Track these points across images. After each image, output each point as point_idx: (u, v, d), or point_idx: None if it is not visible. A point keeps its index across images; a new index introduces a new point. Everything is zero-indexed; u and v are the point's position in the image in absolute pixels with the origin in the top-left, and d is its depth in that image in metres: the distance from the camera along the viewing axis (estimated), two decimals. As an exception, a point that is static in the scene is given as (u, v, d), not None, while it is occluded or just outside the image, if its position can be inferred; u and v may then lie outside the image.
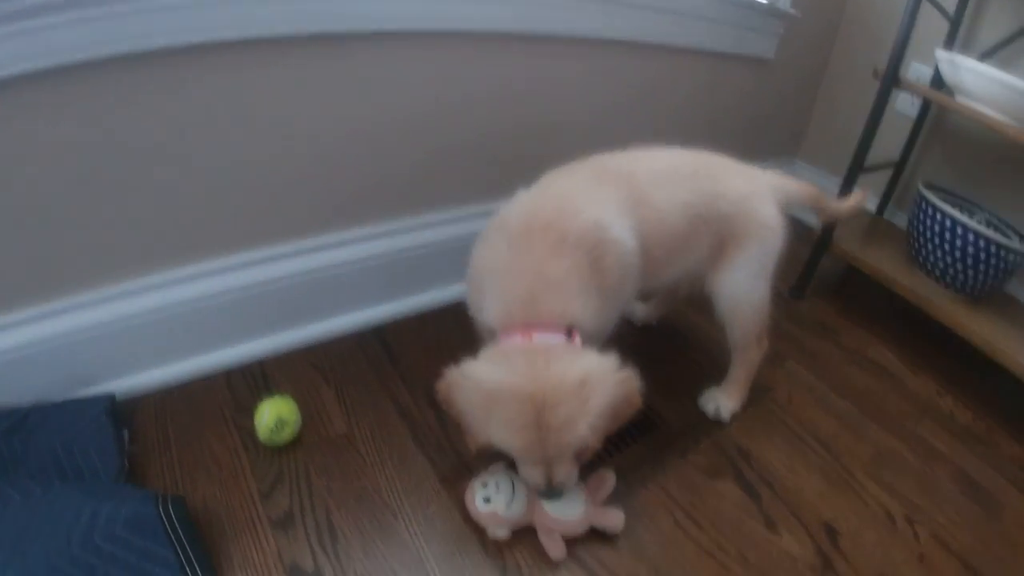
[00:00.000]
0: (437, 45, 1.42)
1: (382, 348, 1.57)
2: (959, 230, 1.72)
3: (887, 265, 1.89)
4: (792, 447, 1.48)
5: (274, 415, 1.25)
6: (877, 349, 1.87)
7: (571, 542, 1.18)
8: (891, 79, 1.73)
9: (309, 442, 1.31)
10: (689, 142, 1.39)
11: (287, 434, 1.26)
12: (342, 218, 1.51)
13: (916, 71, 2.10)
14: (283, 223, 1.43)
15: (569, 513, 1.18)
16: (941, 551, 1.29)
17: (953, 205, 1.77)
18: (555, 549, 1.15)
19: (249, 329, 1.47)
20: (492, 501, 1.17)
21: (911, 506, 1.38)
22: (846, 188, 1.86)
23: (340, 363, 1.51)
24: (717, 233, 1.32)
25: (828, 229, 1.93)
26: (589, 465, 1.15)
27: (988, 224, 1.84)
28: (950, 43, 1.95)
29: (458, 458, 1.32)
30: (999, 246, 1.67)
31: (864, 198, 1.66)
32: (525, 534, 1.18)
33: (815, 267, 2.01)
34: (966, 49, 1.95)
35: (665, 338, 1.79)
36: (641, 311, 1.79)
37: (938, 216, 1.76)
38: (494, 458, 1.22)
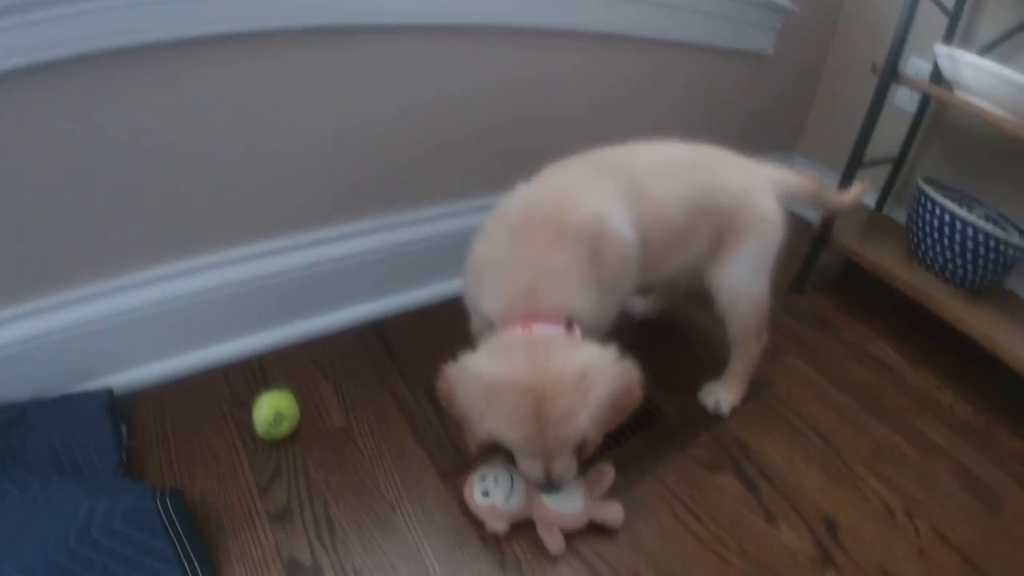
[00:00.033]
0: (435, 39, 1.41)
1: (381, 343, 1.57)
2: (958, 225, 1.72)
3: (886, 260, 1.89)
4: (792, 441, 1.47)
5: (272, 409, 1.25)
6: (876, 344, 1.87)
7: (570, 536, 1.17)
8: (890, 74, 1.72)
9: (307, 436, 1.31)
10: (688, 137, 1.38)
11: (285, 428, 1.26)
12: (341, 212, 1.51)
13: (915, 66, 2.10)
14: (281, 217, 1.43)
15: (568, 507, 1.17)
16: (941, 545, 1.29)
17: (952, 200, 1.77)
18: (554, 543, 1.15)
19: (247, 324, 1.46)
20: (491, 494, 1.17)
21: (911, 500, 1.38)
22: (845, 183, 1.86)
23: (339, 358, 1.51)
24: (716, 226, 1.32)
25: (827, 224, 1.93)
26: (588, 459, 1.14)
27: (987, 219, 1.84)
28: (949, 38, 1.95)
29: (457, 452, 1.31)
30: (998, 240, 1.67)
31: (864, 189, 1.65)
32: (524, 527, 1.18)
33: (814, 262, 2.01)
34: (965, 44, 1.95)
35: (664, 332, 1.79)
36: (640, 305, 1.79)
37: (937, 211, 1.76)
38: (493, 452, 1.21)
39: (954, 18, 1.92)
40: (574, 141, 1.30)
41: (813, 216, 2.02)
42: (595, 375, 1.02)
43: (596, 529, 1.20)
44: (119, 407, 1.27)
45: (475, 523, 1.18)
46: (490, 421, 1.03)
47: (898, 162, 2.17)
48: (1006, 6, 1.88)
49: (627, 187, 1.20)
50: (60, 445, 1.15)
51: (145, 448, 1.24)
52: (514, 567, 1.13)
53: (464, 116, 1.56)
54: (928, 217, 1.79)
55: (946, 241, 1.75)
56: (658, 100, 1.97)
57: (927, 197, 1.78)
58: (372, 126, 1.43)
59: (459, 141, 1.59)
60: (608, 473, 1.25)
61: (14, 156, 1.07)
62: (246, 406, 1.29)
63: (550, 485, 1.10)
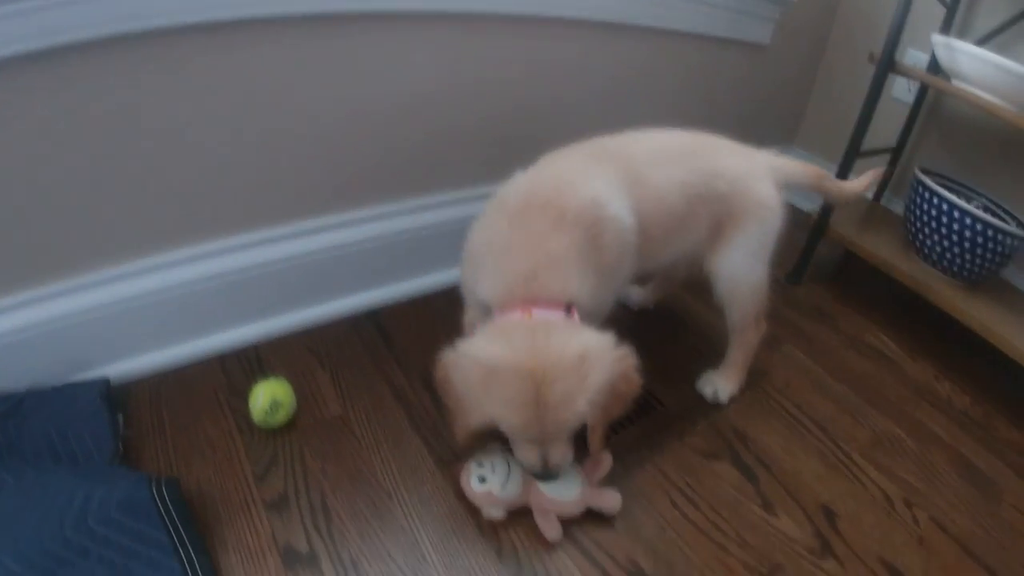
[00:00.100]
0: (434, 27, 1.41)
1: (377, 332, 1.57)
2: (956, 214, 1.71)
3: (884, 251, 1.89)
4: (790, 430, 1.47)
5: (268, 397, 1.24)
6: (875, 334, 1.87)
7: (568, 523, 1.17)
8: (887, 64, 1.72)
9: (304, 425, 1.30)
10: (686, 127, 1.38)
11: (281, 416, 1.26)
12: (338, 200, 1.50)
13: (913, 57, 2.10)
14: (279, 205, 1.42)
15: (565, 494, 1.17)
16: (940, 534, 1.29)
17: (950, 190, 1.77)
18: (551, 530, 1.14)
19: (244, 312, 1.46)
20: (487, 481, 1.16)
21: (910, 489, 1.38)
22: (842, 174, 1.86)
23: (335, 347, 1.50)
24: (715, 213, 1.31)
25: (825, 214, 1.93)
26: (585, 447, 1.14)
27: (985, 209, 1.83)
28: (946, 29, 1.95)
29: (453, 439, 1.30)
30: (996, 230, 1.66)
31: (876, 178, 1.63)
32: (521, 515, 1.18)
33: (812, 253, 2.01)
34: (963, 35, 1.95)
35: (662, 322, 1.78)
36: (638, 295, 1.79)
37: (935, 200, 1.75)
38: (489, 439, 1.21)
39: (951, 9, 1.93)
40: (572, 130, 1.30)
41: (811, 206, 2.01)
42: (594, 359, 1.02)
43: (594, 517, 1.19)
44: (116, 396, 1.27)
45: (472, 511, 1.17)
46: (489, 406, 1.02)
47: (896, 153, 2.17)
48: (1003, -3, 1.88)
49: (625, 173, 1.20)
50: (57, 435, 1.15)
51: (141, 437, 1.23)
52: (511, 555, 1.13)
53: (462, 105, 1.56)
54: (926, 207, 1.78)
55: (944, 231, 1.74)
56: (656, 90, 1.97)
57: (925, 187, 1.78)
58: (370, 114, 1.43)
59: (457, 130, 1.59)
60: (605, 460, 1.25)
61: (14, 143, 1.07)
62: (242, 395, 1.29)
63: (547, 473, 1.10)
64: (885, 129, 2.09)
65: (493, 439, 1.20)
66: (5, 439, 1.13)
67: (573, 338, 1.03)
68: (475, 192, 1.69)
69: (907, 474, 1.41)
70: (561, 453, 1.08)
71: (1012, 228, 1.67)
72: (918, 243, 1.85)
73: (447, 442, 1.30)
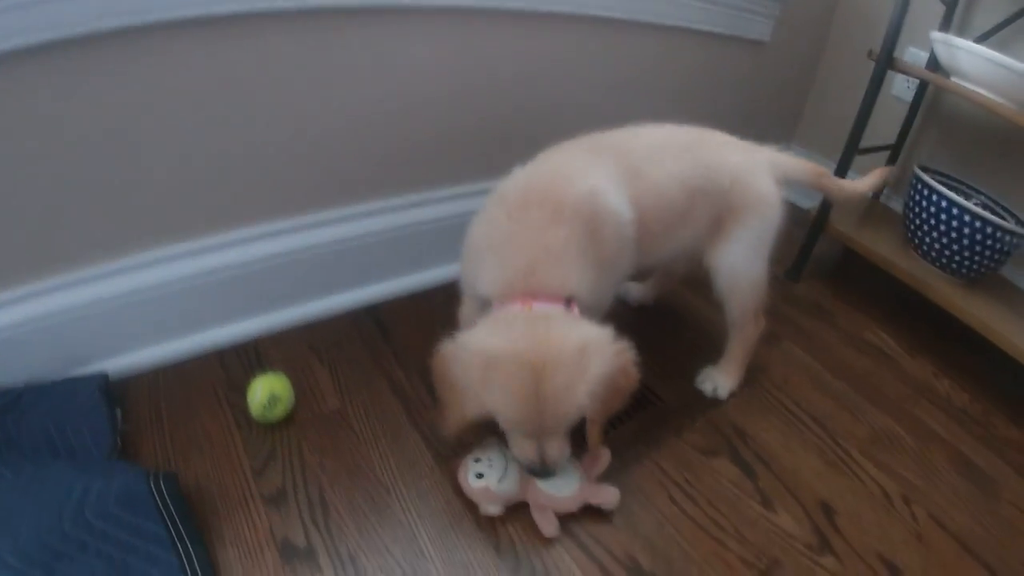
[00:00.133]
0: (433, 22, 1.41)
1: (376, 327, 1.57)
2: (955, 211, 1.71)
3: (883, 248, 1.89)
4: (788, 426, 1.47)
5: (267, 391, 1.24)
6: (873, 331, 1.87)
7: (566, 518, 1.17)
8: (886, 60, 1.72)
9: (302, 419, 1.30)
10: (685, 124, 1.38)
11: (280, 411, 1.26)
12: (338, 195, 1.50)
13: (912, 55, 2.10)
14: (278, 200, 1.42)
15: (563, 490, 1.17)
16: (938, 531, 1.29)
17: (949, 188, 1.77)
18: (548, 526, 1.14)
19: (243, 307, 1.46)
20: (485, 477, 1.16)
21: (908, 486, 1.38)
22: (841, 171, 1.86)
23: (334, 342, 1.50)
24: (715, 206, 1.31)
25: (824, 212, 1.93)
26: (583, 443, 1.15)
27: (984, 207, 1.83)
28: (946, 27, 1.95)
29: (441, 431, 1.31)
30: (995, 227, 1.66)
31: (884, 177, 1.61)
32: (519, 509, 1.17)
33: (811, 249, 2.01)
34: (962, 33, 1.95)
35: (661, 318, 1.78)
36: (637, 291, 1.79)
37: (934, 197, 1.75)
38: (486, 434, 1.21)
39: (951, 7, 1.93)
40: (571, 126, 1.30)
41: (810, 203, 2.01)
42: (594, 352, 1.02)
43: (592, 512, 1.19)
44: (114, 391, 1.27)
45: (470, 505, 1.17)
46: (487, 397, 1.02)
47: (895, 150, 2.17)
48: (1002, -6, 1.88)
49: (625, 167, 1.20)
50: (55, 429, 1.15)
51: (140, 432, 1.23)
52: (509, 549, 1.12)
53: (461, 101, 1.56)
54: (925, 204, 1.78)
55: (943, 228, 1.75)
56: (656, 86, 1.97)
57: (924, 184, 1.78)
58: (368, 110, 1.43)
59: (456, 125, 1.59)
60: (604, 456, 1.24)
61: (12, 137, 1.06)
62: (241, 390, 1.29)
63: (544, 469, 1.10)
64: (884, 126, 2.10)
65: (490, 434, 1.20)
66: (3, 434, 1.13)
67: (573, 330, 1.03)
68: (474, 188, 1.69)
69: (906, 471, 1.41)
70: (558, 448, 1.08)
71: (1011, 225, 1.67)
72: (917, 240, 1.85)
73: (442, 436, 1.30)
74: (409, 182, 1.60)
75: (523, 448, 1.08)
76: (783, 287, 2.01)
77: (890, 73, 1.77)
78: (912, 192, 1.85)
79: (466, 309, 1.27)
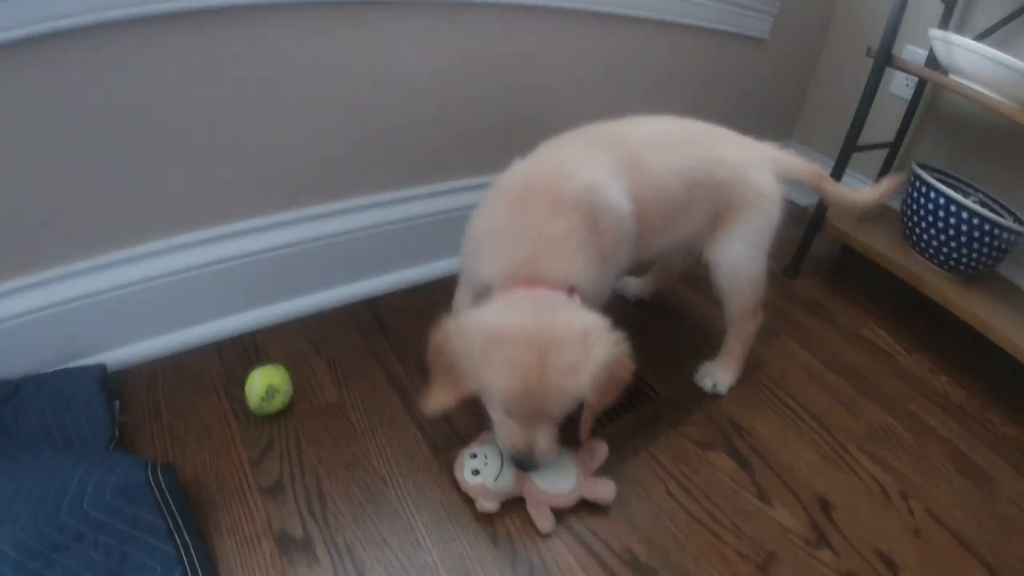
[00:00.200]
0: (433, 15, 1.41)
1: (374, 320, 1.57)
2: (953, 209, 1.72)
3: (881, 244, 1.89)
4: (785, 421, 1.47)
5: (265, 383, 1.24)
6: (871, 327, 1.87)
7: (563, 511, 1.17)
8: (884, 58, 1.72)
9: (300, 411, 1.30)
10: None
11: (278, 402, 1.26)
12: (337, 189, 1.50)
13: (911, 53, 2.10)
14: (277, 193, 1.42)
15: (560, 486, 1.17)
16: (935, 526, 1.30)
17: (947, 185, 1.77)
18: (544, 521, 1.14)
19: (241, 300, 1.46)
20: (481, 473, 1.16)
21: (905, 481, 1.38)
22: (840, 168, 1.87)
23: (332, 335, 1.50)
24: (714, 201, 1.31)
25: (822, 209, 1.93)
26: (576, 437, 1.15)
27: (982, 205, 1.84)
28: (944, 25, 1.95)
29: (449, 426, 1.31)
30: (993, 225, 1.67)
31: (892, 189, 1.55)
32: (516, 502, 1.18)
33: (809, 246, 2.01)
34: (961, 32, 1.95)
35: (658, 313, 1.78)
36: (635, 286, 1.79)
37: (932, 195, 1.76)
38: (482, 428, 1.21)
39: (950, 5, 1.93)
40: (568, 122, 1.30)
41: (807, 201, 2.02)
42: (596, 338, 1.03)
43: (589, 505, 1.19)
44: (112, 383, 1.27)
45: (467, 498, 1.17)
46: (488, 372, 1.02)
47: (894, 148, 2.18)
48: (1001, -7, 1.88)
49: (624, 159, 1.21)
50: (53, 420, 1.15)
51: (138, 423, 1.23)
52: (506, 541, 1.13)
53: (461, 95, 1.56)
54: (923, 201, 1.79)
55: (940, 225, 1.75)
56: (655, 83, 1.98)
57: (922, 181, 1.78)
58: (367, 104, 1.43)
59: (456, 119, 1.59)
60: (601, 450, 1.25)
61: (14, 127, 1.06)
62: (239, 382, 1.29)
63: (531, 460, 1.10)
64: (883, 124, 2.10)
65: (486, 429, 1.20)
66: (1, 425, 1.13)
67: (578, 315, 1.04)
68: (472, 182, 1.69)
69: (903, 466, 1.41)
70: (549, 439, 1.08)
71: (1009, 223, 1.67)
72: (915, 237, 1.86)
73: (442, 429, 1.31)
74: (407, 176, 1.60)
75: (512, 435, 1.08)
76: (781, 284, 2.01)
77: (889, 71, 1.77)
78: (910, 189, 1.85)
79: (463, 298, 1.27)
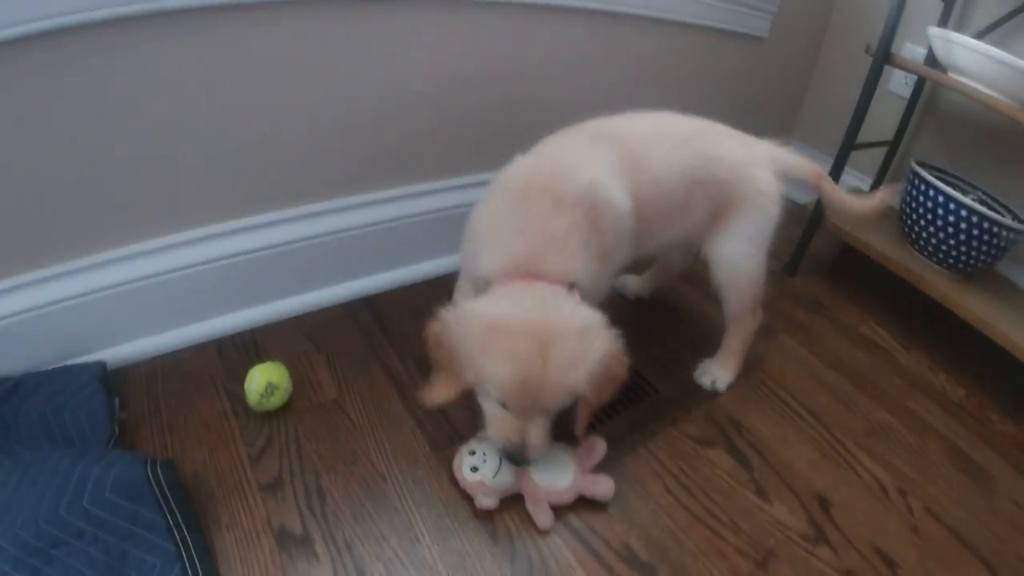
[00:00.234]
0: (433, 11, 1.41)
1: (373, 318, 1.57)
2: (952, 206, 1.72)
3: (880, 243, 1.89)
4: (784, 419, 1.48)
5: (264, 380, 1.24)
6: (869, 325, 1.87)
7: (562, 508, 1.18)
8: (883, 55, 1.72)
9: (299, 408, 1.30)
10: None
11: (277, 399, 1.26)
12: (337, 186, 1.50)
13: (910, 51, 2.10)
14: (277, 190, 1.42)
15: (558, 482, 1.17)
16: (934, 523, 1.30)
17: (946, 184, 1.77)
18: (542, 518, 1.14)
19: (241, 297, 1.46)
20: (479, 470, 1.16)
21: (904, 479, 1.38)
22: (839, 166, 1.87)
23: (331, 332, 1.50)
24: (714, 198, 1.32)
25: (820, 207, 1.93)
26: (572, 433, 1.16)
27: (981, 203, 1.84)
28: (944, 23, 1.95)
29: (448, 422, 1.31)
30: (991, 223, 1.67)
31: (884, 202, 1.55)
32: (515, 498, 1.18)
33: (807, 244, 2.01)
34: (960, 29, 1.95)
35: (657, 311, 1.78)
36: (635, 284, 1.79)
37: (931, 192, 1.76)
38: (480, 426, 1.21)
39: (949, 3, 1.93)
40: (568, 120, 1.31)
41: (806, 199, 2.01)
42: (596, 333, 1.04)
43: (587, 502, 1.19)
44: (112, 380, 1.27)
45: (466, 494, 1.17)
46: (488, 362, 1.02)
47: (893, 146, 2.18)
48: (1001, -9, 1.89)
49: (625, 156, 1.21)
50: (53, 418, 1.15)
51: (137, 420, 1.23)
52: (505, 537, 1.13)
53: (462, 93, 1.56)
54: (922, 199, 1.79)
55: (940, 224, 1.75)
56: (654, 80, 1.98)
57: (921, 179, 1.79)
58: (369, 100, 1.43)
59: (457, 117, 1.59)
60: (599, 446, 1.25)
61: (11, 125, 1.06)
62: (239, 379, 1.29)
63: (522, 454, 1.09)
64: (882, 122, 2.10)
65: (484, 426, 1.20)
66: (1, 422, 1.13)
67: (578, 310, 1.05)
68: (473, 179, 1.69)
69: (901, 464, 1.41)
70: (542, 433, 1.09)
71: (1007, 221, 1.67)
72: (914, 236, 1.86)
73: (441, 425, 1.31)
74: (408, 174, 1.60)
75: (505, 428, 1.08)
76: (780, 282, 2.01)
77: (888, 69, 1.77)
78: (909, 187, 1.85)
79: (463, 292, 1.28)
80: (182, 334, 1.40)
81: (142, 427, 1.22)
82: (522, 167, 1.19)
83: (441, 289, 1.57)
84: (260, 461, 1.19)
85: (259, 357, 1.39)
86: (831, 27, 2.42)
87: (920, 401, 1.61)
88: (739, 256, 1.36)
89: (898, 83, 2.18)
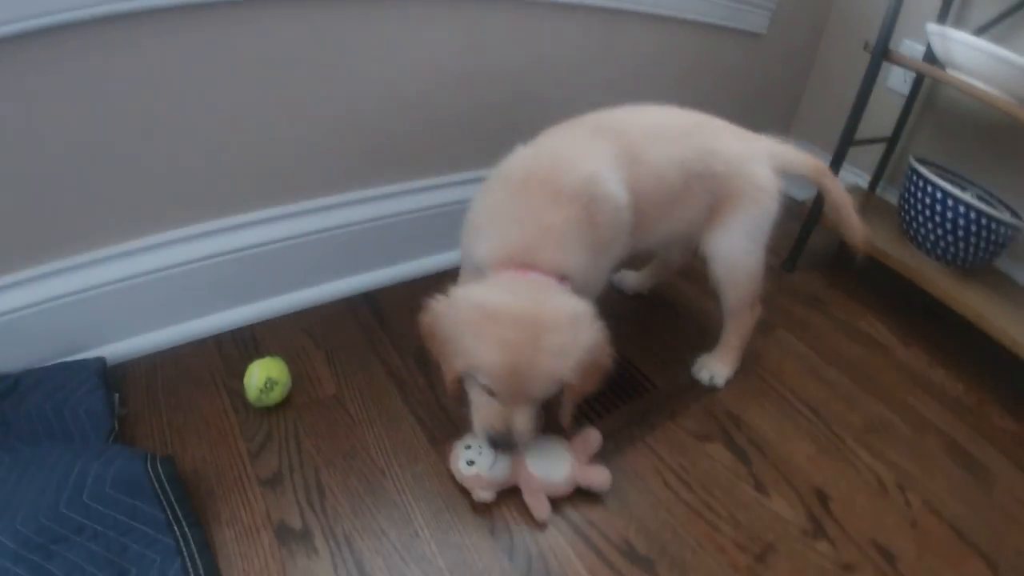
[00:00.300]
0: (433, 10, 1.41)
1: (373, 314, 1.57)
2: (950, 203, 1.72)
3: (879, 238, 1.89)
4: (782, 413, 1.48)
5: (263, 375, 1.24)
6: (868, 321, 1.88)
7: (560, 501, 1.18)
8: (881, 52, 1.73)
9: (299, 403, 1.30)
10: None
11: (276, 394, 1.26)
12: (336, 182, 1.51)
13: (909, 48, 2.10)
14: (276, 186, 1.42)
15: (554, 473, 1.17)
16: (933, 518, 1.30)
17: (945, 180, 1.77)
18: (540, 509, 1.14)
19: (240, 293, 1.46)
20: (476, 464, 1.16)
21: (903, 474, 1.38)
22: (837, 162, 1.87)
23: (331, 328, 1.51)
24: (712, 193, 1.32)
25: (819, 203, 1.93)
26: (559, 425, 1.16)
27: (980, 199, 1.84)
28: (942, 20, 1.95)
29: (447, 417, 1.32)
30: (990, 219, 1.67)
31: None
32: (513, 492, 1.18)
33: (806, 240, 2.02)
34: (958, 26, 1.95)
35: (656, 307, 1.78)
36: (633, 280, 1.79)
37: (929, 189, 1.76)
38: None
39: (947, 0, 1.93)
40: (567, 115, 1.31)
41: (805, 195, 2.02)
42: (585, 323, 1.05)
43: (587, 495, 1.20)
44: (112, 376, 1.27)
45: (464, 489, 1.18)
46: (477, 348, 1.03)
47: (891, 143, 2.18)
48: (998, -12, 1.89)
49: (624, 150, 1.21)
50: (52, 414, 1.15)
51: (137, 416, 1.23)
52: (503, 530, 1.13)
53: (461, 89, 1.56)
54: (920, 195, 1.79)
55: (938, 219, 1.75)
56: (653, 77, 1.98)
57: (919, 175, 1.79)
58: (369, 97, 1.43)
59: (456, 114, 1.59)
60: (594, 437, 1.24)
61: (9, 121, 1.06)
62: (238, 375, 1.29)
63: (507, 441, 1.10)
64: (880, 118, 2.10)
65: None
66: (1, 418, 1.13)
67: (567, 299, 1.06)
68: (472, 176, 1.69)
69: (900, 458, 1.42)
70: (528, 420, 1.10)
71: (1006, 217, 1.68)
72: (912, 231, 1.86)
73: (440, 420, 1.31)
74: (407, 169, 1.60)
75: (492, 415, 1.09)
76: (778, 277, 2.01)
77: (886, 65, 1.77)
78: (908, 184, 1.85)
79: (464, 282, 1.28)
80: (181, 330, 1.40)
81: (142, 423, 1.22)
82: (523, 158, 1.20)
83: (441, 285, 1.57)
84: (259, 456, 1.19)
85: (258, 353, 1.39)
86: (829, 24, 2.42)
87: (919, 396, 1.61)
88: (737, 252, 1.36)
89: (896, 80, 2.18)
